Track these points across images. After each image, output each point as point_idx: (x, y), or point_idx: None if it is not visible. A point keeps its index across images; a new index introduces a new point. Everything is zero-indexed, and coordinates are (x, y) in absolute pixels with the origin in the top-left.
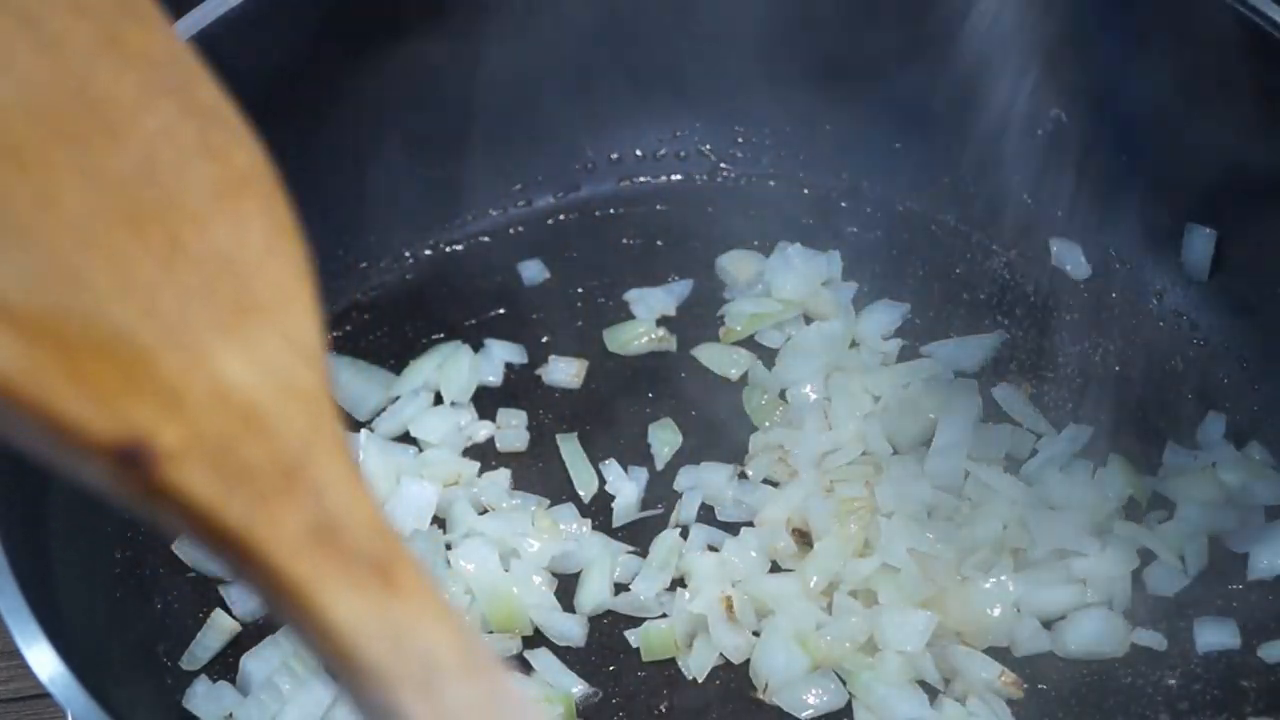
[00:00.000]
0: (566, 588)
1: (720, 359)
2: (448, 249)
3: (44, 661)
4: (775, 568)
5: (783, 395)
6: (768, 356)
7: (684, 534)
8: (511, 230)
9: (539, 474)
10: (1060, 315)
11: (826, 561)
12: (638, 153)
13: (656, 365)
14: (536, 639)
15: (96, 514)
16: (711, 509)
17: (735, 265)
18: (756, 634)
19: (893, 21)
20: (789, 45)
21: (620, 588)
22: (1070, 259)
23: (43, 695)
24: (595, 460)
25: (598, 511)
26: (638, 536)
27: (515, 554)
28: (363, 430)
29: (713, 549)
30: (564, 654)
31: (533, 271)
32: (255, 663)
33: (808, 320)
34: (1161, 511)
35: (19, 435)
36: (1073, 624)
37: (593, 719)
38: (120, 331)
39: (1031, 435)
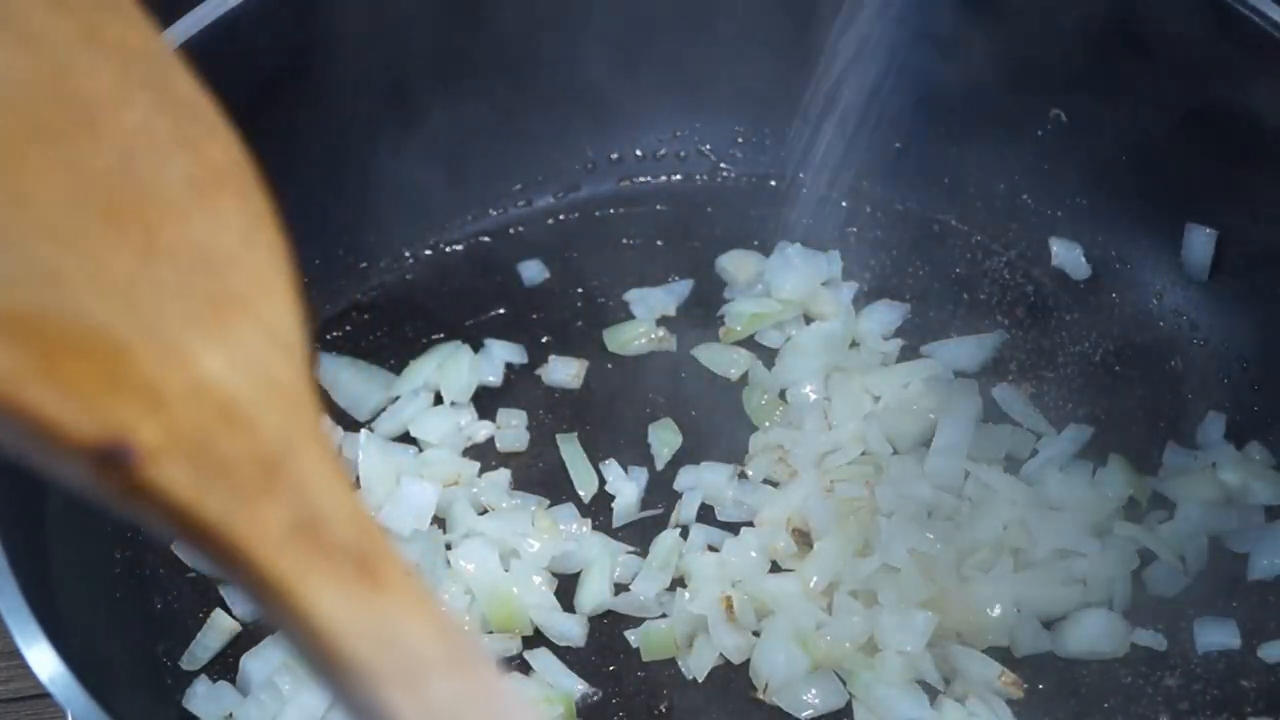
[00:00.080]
0: (566, 588)
1: (720, 359)
2: (448, 249)
3: (44, 661)
4: (775, 568)
5: (783, 395)
6: (768, 356)
7: (684, 534)
8: (511, 230)
9: (539, 474)
10: (1060, 315)
11: (826, 561)
12: (638, 153)
13: (656, 365)
14: (536, 639)
15: (96, 514)
16: (711, 509)
17: (735, 265)
18: (756, 634)
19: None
20: (789, 45)
21: (620, 588)
22: (1070, 259)
23: (43, 695)
24: (595, 460)
25: (598, 511)
26: (638, 536)
27: (515, 554)
28: (363, 430)
29: (713, 549)
30: (564, 654)
31: (533, 271)
32: (255, 663)
33: (808, 320)
34: (1161, 512)
35: None
36: (1073, 624)
37: (593, 719)
38: (97, 328)
39: (1031, 435)
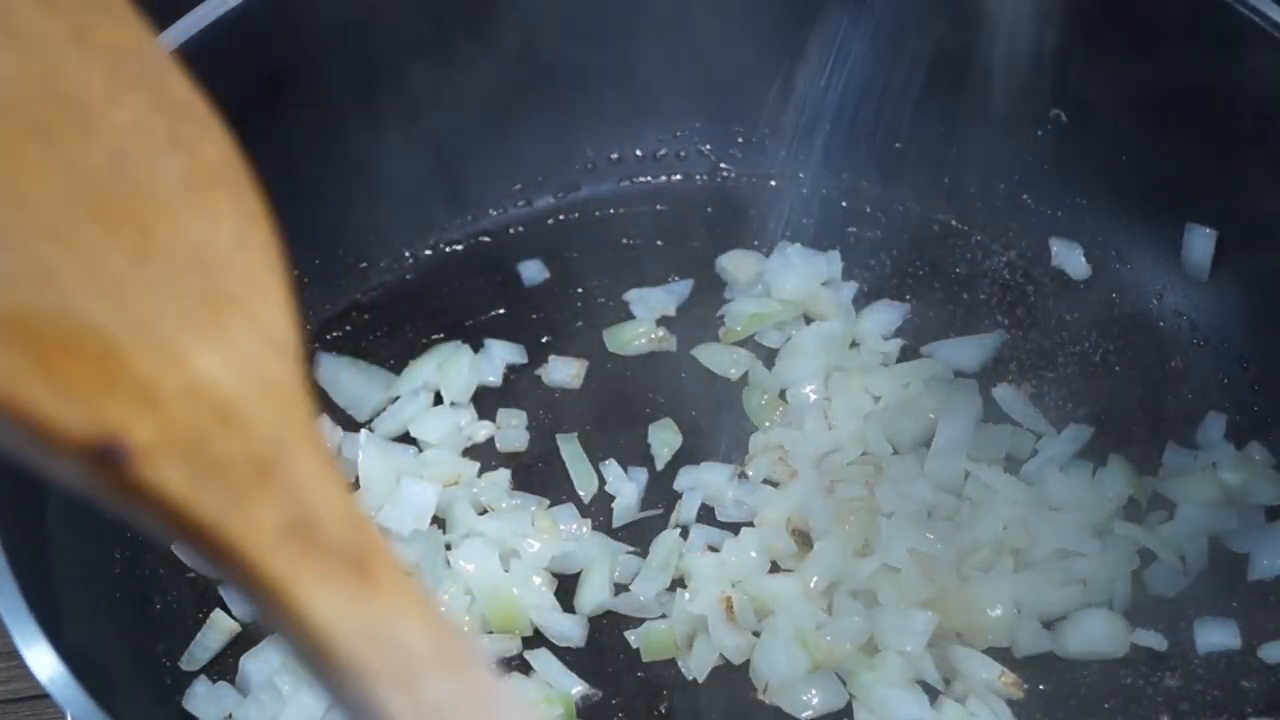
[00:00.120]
0: (566, 588)
1: (720, 359)
2: (448, 249)
3: (43, 662)
4: (775, 568)
5: (783, 395)
6: (768, 356)
7: (684, 534)
8: (511, 230)
9: (539, 474)
10: (1060, 315)
11: (826, 562)
12: (638, 153)
13: (656, 365)
14: (536, 639)
15: (96, 514)
16: (711, 509)
17: (735, 265)
18: (756, 634)
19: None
20: (789, 45)
21: (620, 588)
22: (1070, 259)
23: (42, 696)
24: (595, 460)
25: (598, 511)
26: (638, 537)
27: (515, 554)
28: (363, 430)
29: (713, 549)
30: (564, 654)
31: (533, 271)
32: (255, 663)
33: (808, 320)
34: (1162, 512)
35: None
36: (1073, 624)
37: (592, 719)
38: (92, 327)
39: (1031, 435)
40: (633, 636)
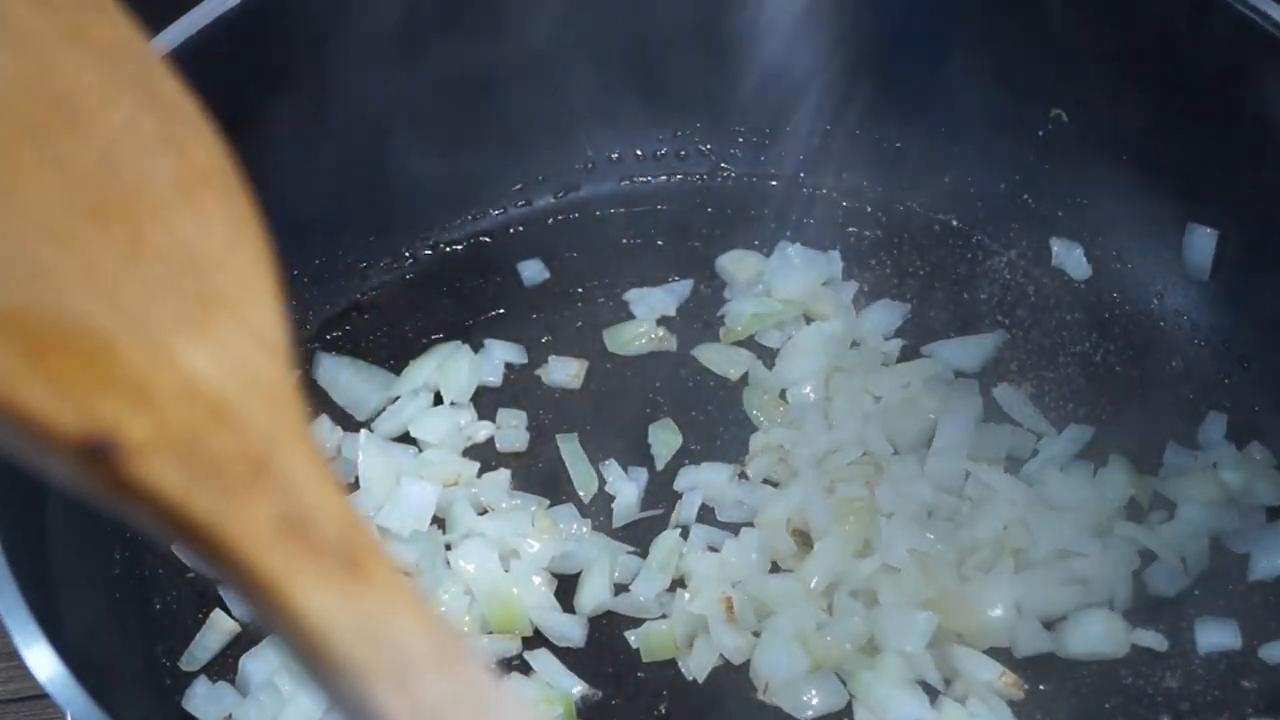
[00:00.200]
0: (566, 588)
1: (720, 359)
2: (448, 249)
3: (43, 662)
4: (775, 568)
5: (783, 395)
6: (768, 356)
7: (684, 534)
8: (511, 230)
9: (539, 474)
10: (1060, 315)
11: (827, 562)
12: (638, 153)
13: (656, 365)
14: (536, 639)
15: (96, 514)
16: (712, 509)
17: (735, 265)
18: (756, 634)
19: (892, 21)
20: (789, 45)
21: (620, 588)
22: (1070, 259)
23: (42, 696)
24: (595, 460)
25: (598, 511)
26: (638, 537)
27: (515, 554)
28: (363, 430)
29: (713, 549)
30: (564, 655)
31: (533, 271)
32: (255, 663)
33: (808, 320)
34: (1162, 512)
35: None
36: (1073, 624)
37: (592, 719)
38: (84, 325)
39: (1032, 435)
40: (633, 636)
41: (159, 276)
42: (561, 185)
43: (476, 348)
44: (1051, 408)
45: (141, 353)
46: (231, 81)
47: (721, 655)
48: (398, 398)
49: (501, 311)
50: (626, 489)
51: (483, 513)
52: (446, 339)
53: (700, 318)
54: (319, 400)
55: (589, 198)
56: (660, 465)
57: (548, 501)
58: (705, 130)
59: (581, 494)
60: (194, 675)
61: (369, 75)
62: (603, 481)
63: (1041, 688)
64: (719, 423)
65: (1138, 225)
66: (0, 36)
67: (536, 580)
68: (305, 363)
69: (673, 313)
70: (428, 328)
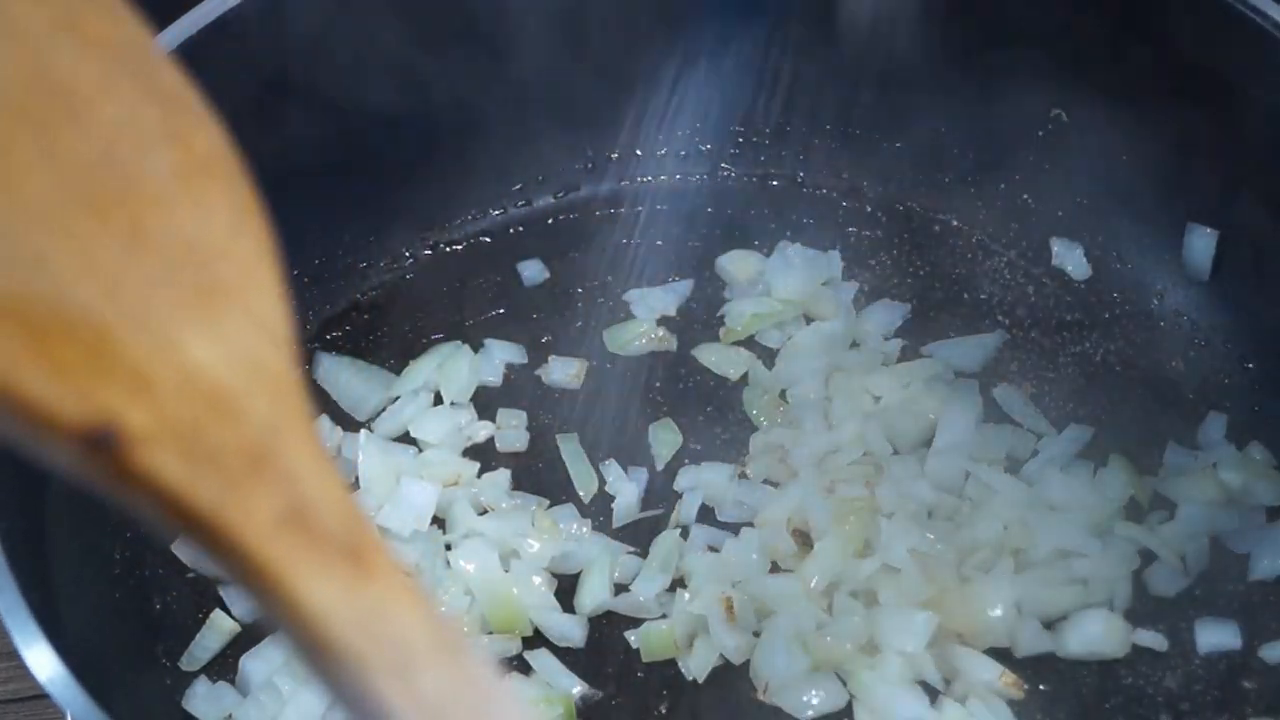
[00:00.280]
0: (566, 588)
1: (720, 359)
2: (448, 249)
3: (43, 663)
4: (775, 568)
5: (783, 395)
6: (768, 356)
7: (684, 534)
8: (511, 230)
9: (539, 474)
10: (1060, 315)
11: (827, 562)
12: (638, 153)
13: (656, 365)
14: (536, 639)
15: (96, 514)
16: (712, 509)
17: (735, 265)
18: (756, 634)
19: (892, 22)
20: (789, 45)
21: (620, 588)
22: (1070, 259)
23: (42, 696)
24: (595, 460)
25: (598, 511)
26: (638, 537)
27: (515, 554)
28: (363, 430)
29: (713, 549)
30: (564, 654)
31: (533, 271)
32: (255, 663)
33: (808, 320)
34: (1162, 512)
35: None
36: (1073, 624)
37: (592, 719)
38: (86, 314)
39: (1032, 435)
40: (633, 636)
41: (161, 266)
42: (561, 185)
43: (476, 348)
44: (1051, 408)
45: (143, 342)
46: (231, 80)
47: (721, 655)
48: (398, 398)
49: (501, 311)
50: (626, 489)
51: (483, 513)
52: (446, 339)
53: (700, 318)
54: (319, 400)
55: (589, 198)
56: (660, 465)
57: (548, 501)
58: (705, 130)
59: (581, 494)
60: (194, 675)
61: (369, 75)
62: (603, 481)
63: (1041, 688)
64: (719, 423)
65: (1138, 225)
66: None
67: (536, 580)
68: (305, 363)
69: (673, 313)
70: (428, 328)
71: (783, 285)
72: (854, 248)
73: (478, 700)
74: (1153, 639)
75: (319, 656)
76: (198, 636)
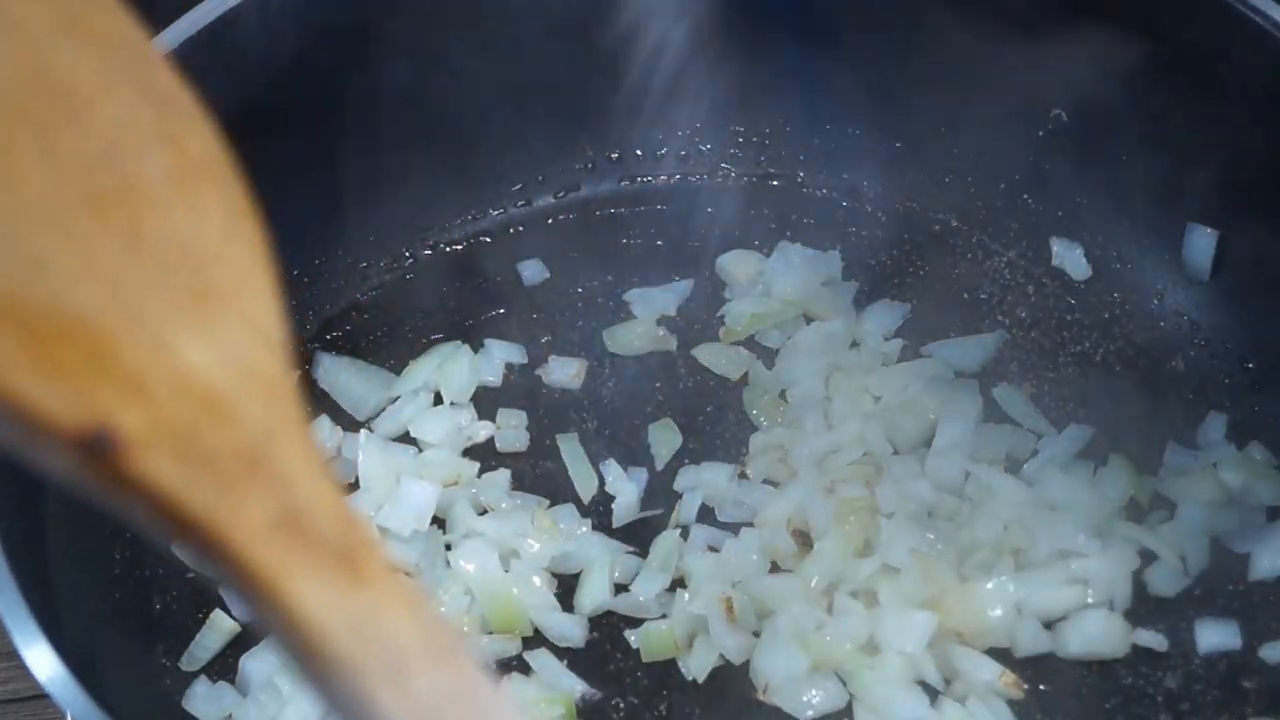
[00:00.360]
0: (566, 588)
1: (720, 359)
2: (448, 249)
3: (43, 662)
4: (775, 568)
5: (783, 395)
6: (768, 356)
7: (684, 534)
8: (511, 230)
9: (539, 474)
10: (1060, 315)
11: (827, 562)
12: (638, 153)
13: (656, 365)
14: (536, 640)
15: (96, 514)
16: (712, 509)
17: (735, 265)
18: (756, 634)
19: (892, 22)
20: (789, 45)
21: (620, 588)
22: (1070, 259)
23: (42, 696)
24: (595, 460)
25: (598, 511)
26: (638, 537)
27: (515, 554)
28: (363, 430)
29: (713, 549)
30: (564, 654)
31: (533, 271)
32: (255, 663)
33: (808, 320)
34: (1162, 512)
35: None
36: (1073, 624)
37: (592, 719)
38: (83, 316)
39: (1032, 435)
40: (633, 636)
41: (156, 269)
42: (561, 185)
43: (476, 348)
44: (1051, 408)
45: (138, 345)
46: (231, 81)
47: (721, 655)
48: (398, 398)
49: (501, 311)
50: (626, 489)
51: (483, 513)
52: (446, 339)
53: (700, 318)
54: (319, 400)
55: (589, 198)
56: (660, 465)
57: (548, 501)
58: (705, 130)
59: (581, 494)
60: (194, 675)
61: (368, 75)
62: (603, 481)
63: (1041, 688)
64: (719, 423)
65: (1138, 225)
66: None
67: (536, 580)
68: (305, 363)
69: (673, 313)
70: (428, 328)
71: (783, 285)
72: (854, 248)
73: (472, 704)
74: (1153, 639)
75: (313, 661)
76: (198, 636)
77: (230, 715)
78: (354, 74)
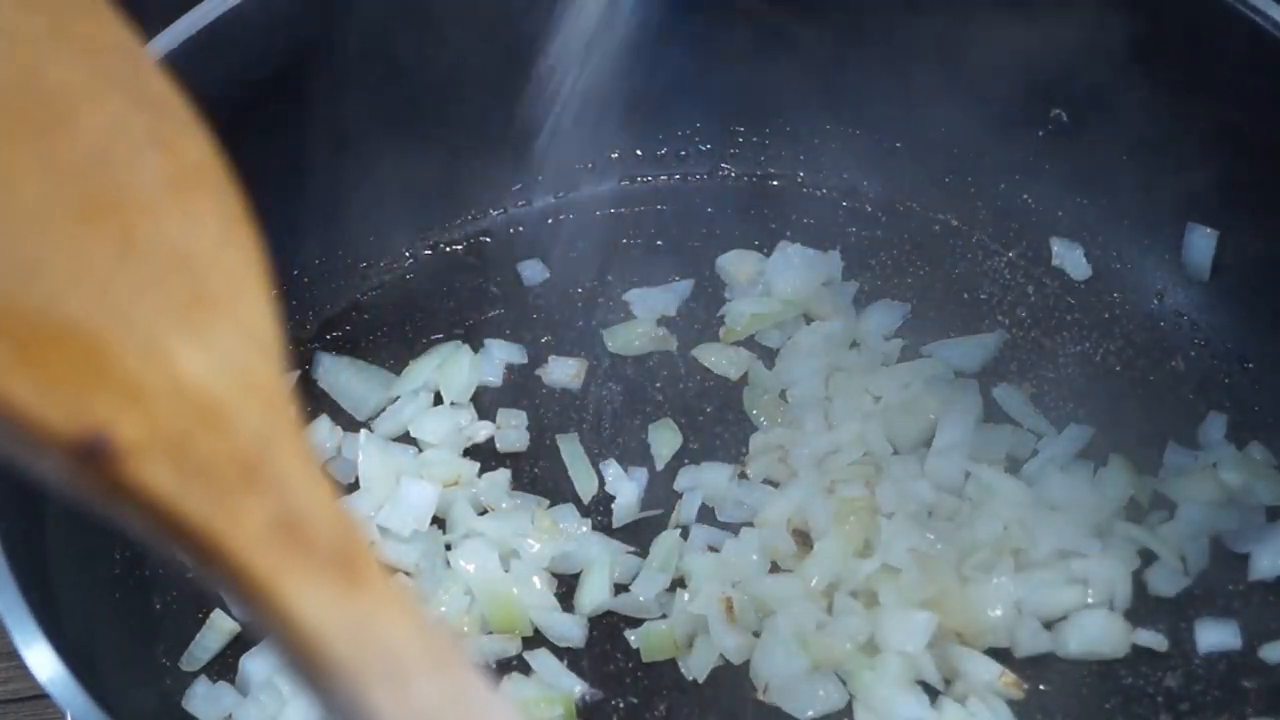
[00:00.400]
0: (566, 588)
1: (720, 359)
2: (448, 249)
3: (43, 663)
4: (775, 568)
5: (783, 395)
6: (768, 356)
7: (684, 534)
8: (511, 230)
9: (539, 474)
10: (1060, 315)
11: (827, 562)
12: (638, 153)
13: (656, 365)
14: (536, 640)
15: (96, 515)
16: (712, 509)
17: (735, 265)
18: (756, 634)
19: (891, 22)
20: (789, 45)
21: (620, 588)
22: (1070, 259)
23: (42, 696)
24: (595, 460)
25: (598, 511)
26: (638, 537)
27: (515, 554)
28: (363, 430)
29: (713, 549)
30: (564, 655)
31: (533, 271)
32: (255, 663)
33: (808, 320)
34: (1162, 512)
35: None
36: (1073, 624)
37: (592, 719)
38: (77, 323)
39: (1032, 435)
40: (633, 636)
41: (150, 275)
42: (561, 185)
43: (476, 348)
44: (1051, 408)
45: (133, 352)
46: (231, 81)
47: (721, 655)
48: (398, 398)
49: (501, 311)
50: (626, 489)
51: (483, 513)
52: (446, 339)
53: (700, 318)
54: (319, 400)
55: (589, 198)
56: (660, 465)
57: (548, 501)
58: (705, 130)
59: (581, 494)
60: (194, 675)
61: (369, 75)
62: (603, 481)
63: (1041, 688)
64: (719, 423)
65: (1138, 225)
66: None
67: (536, 580)
68: (305, 363)
69: (673, 313)
70: (428, 328)
71: (783, 285)
72: (854, 248)
73: (470, 708)
74: (1153, 639)
75: (311, 666)
76: (198, 637)
77: (230, 715)
78: (354, 74)
